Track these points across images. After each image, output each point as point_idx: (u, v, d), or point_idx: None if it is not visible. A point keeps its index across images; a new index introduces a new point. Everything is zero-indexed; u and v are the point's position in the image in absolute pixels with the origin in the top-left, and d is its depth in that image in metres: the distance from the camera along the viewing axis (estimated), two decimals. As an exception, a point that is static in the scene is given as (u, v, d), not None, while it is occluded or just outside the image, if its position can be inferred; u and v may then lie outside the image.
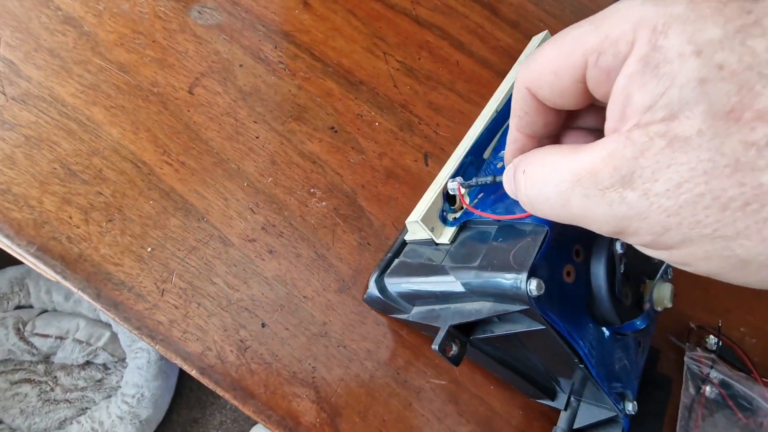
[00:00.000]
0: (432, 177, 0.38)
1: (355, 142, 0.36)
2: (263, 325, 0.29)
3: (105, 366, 1.01)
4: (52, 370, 0.99)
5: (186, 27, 0.35)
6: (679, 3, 0.14)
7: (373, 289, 0.30)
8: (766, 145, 0.12)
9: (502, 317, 0.24)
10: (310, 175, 0.34)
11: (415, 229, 0.29)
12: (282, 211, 0.32)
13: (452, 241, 0.28)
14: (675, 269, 0.27)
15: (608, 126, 0.16)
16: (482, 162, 0.33)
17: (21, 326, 0.94)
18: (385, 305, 0.30)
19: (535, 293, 0.20)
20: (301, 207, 0.33)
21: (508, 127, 0.29)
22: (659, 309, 0.26)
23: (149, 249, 0.29)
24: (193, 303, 0.28)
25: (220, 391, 0.27)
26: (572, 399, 0.29)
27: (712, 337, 0.39)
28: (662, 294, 0.25)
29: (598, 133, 0.20)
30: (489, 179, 0.26)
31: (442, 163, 0.38)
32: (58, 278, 0.26)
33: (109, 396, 0.99)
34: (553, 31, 0.44)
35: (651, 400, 0.30)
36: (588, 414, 0.29)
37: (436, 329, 0.26)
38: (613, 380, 0.25)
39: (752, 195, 0.12)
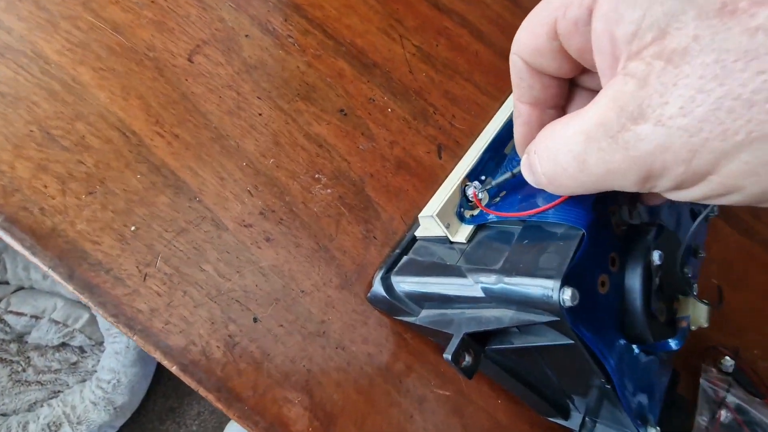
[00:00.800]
0: (445, 170, 0.35)
1: (366, 128, 0.34)
2: (255, 320, 0.27)
3: (81, 349, 0.97)
4: (26, 350, 0.96)
5: (189, -11, 0.32)
6: None
7: (378, 288, 0.28)
8: None
9: (524, 327, 0.22)
10: (316, 159, 0.31)
11: (429, 224, 0.27)
12: (283, 195, 0.30)
13: (469, 240, 0.25)
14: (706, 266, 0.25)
15: (604, 81, 0.15)
16: (503, 158, 0.30)
17: (-5, 303, 0.90)
18: (391, 306, 0.27)
19: (568, 304, 0.18)
20: (304, 193, 0.30)
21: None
22: (694, 328, 0.24)
23: (133, 228, 0.26)
24: (178, 291, 0.26)
25: (202, 392, 0.24)
26: (587, 420, 0.27)
27: (727, 358, 0.37)
28: (699, 313, 0.23)
29: None
30: (507, 175, 0.24)
31: (455, 156, 0.36)
32: (27, 254, 0.23)
33: (84, 380, 0.95)
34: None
35: (671, 424, 0.28)
36: (604, 437, 0.26)
37: (445, 335, 0.23)
38: (637, 402, 0.23)
39: None
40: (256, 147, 0.30)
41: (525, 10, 0.46)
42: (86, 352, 0.98)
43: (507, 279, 0.21)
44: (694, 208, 0.30)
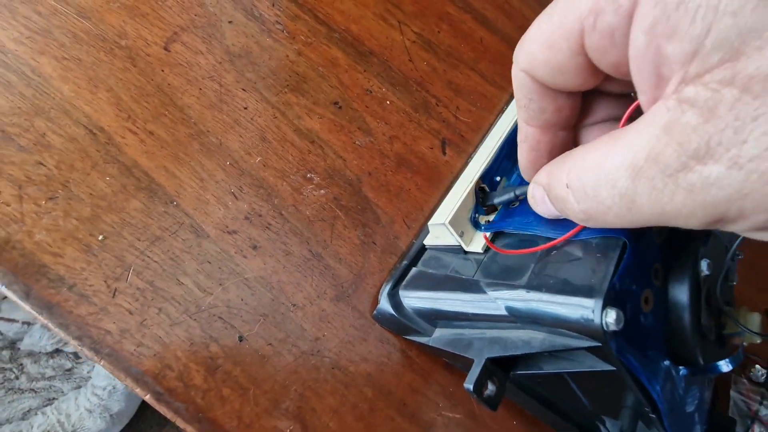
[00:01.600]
0: (450, 167, 0.32)
1: (362, 122, 0.31)
2: (240, 339, 0.24)
3: (75, 355, 0.95)
4: (18, 357, 0.93)
5: (165, -30, 0.29)
6: None
7: (385, 304, 0.25)
8: None
9: (556, 352, 0.19)
10: (307, 156, 0.28)
11: (440, 233, 0.24)
12: (271, 198, 0.27)
13: (486, 250, 0.22)
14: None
15: (644, 99, 0.13)
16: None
17: (-16, 309, 0.87)
18: (400, 325, 0.24)
19: (613, 328, 0.15)
20: (295, 194, 0.27)
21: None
22: (746, 344, 0.21)
23: (100, 237, 0.23)
24: (152, 308, 0.23)
25: (180, 423, 0.21)
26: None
27: (758, 367, 0.34)
28: (753, 325, 0.20)
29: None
30: (510, 195, 0.21)
31: (461, 152, 0.33)
32: (-26, 270, 0.20)
33: (79, 387, 0.93)
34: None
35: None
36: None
37: (463, 358, 0.20)
38: (682, 428, 0.20)
39: None
40: (241, 144, 0.27)
41: (533, -6, 0.44)
42: (81, 358, 0.96)
43: (535, 296, 0.18)
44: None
